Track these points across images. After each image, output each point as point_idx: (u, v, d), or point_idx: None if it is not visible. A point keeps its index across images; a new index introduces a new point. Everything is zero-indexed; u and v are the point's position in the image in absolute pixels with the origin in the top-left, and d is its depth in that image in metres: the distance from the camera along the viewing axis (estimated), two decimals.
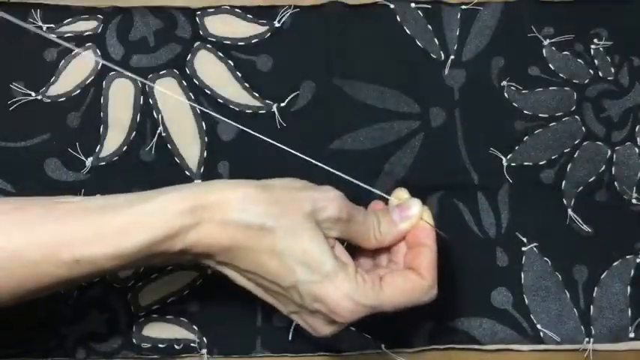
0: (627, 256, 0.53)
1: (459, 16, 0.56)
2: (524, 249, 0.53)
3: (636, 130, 0.55)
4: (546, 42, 0.56)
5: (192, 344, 0.51)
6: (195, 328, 0.51)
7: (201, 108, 0.53)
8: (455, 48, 0.56)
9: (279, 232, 0.40)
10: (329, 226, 0.42)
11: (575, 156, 0.54)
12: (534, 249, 0.53)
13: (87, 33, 0.55)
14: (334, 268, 0.41)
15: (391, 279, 0.43)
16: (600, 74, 0.56)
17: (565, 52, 0.56)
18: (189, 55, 0.55)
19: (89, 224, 0.40)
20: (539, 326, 0.52)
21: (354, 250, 0.45)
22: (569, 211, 0.54)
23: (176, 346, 0.51)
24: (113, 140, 0.53)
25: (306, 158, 0.47)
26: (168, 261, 0.43)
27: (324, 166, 0.47)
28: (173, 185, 0.42)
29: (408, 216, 0.45)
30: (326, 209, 0.41)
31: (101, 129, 0.54)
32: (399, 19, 0.55)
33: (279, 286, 0.42)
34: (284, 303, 0.43)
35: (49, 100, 0.54)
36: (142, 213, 0.40)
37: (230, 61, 0.55)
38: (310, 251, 0.40)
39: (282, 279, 0.41)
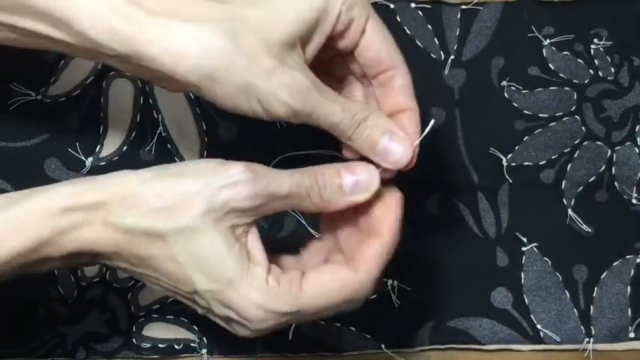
0: (627, 256, 0.53)
1: (459, 16, 0.56)
2: (524, 249, 0.53)
3: (636, 130, 0.55)
4: (546, 42, 0.56)
5: (192, 344, 0.51)
6: (195, 328, 0.51)
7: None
8: (455, 48, 0.56)
9: (170, 237, 0.36)
10: (236, 215, 0.36)
11: (575, 156, 0.54)
12: (534, 249, 0.53)
13: None
14: (237, 274, 0.36)
15: (315, 277, 0.38)
16: (600, 74, 0.56)
17: (565, 52, 0.56)
18: None
19: None
20: (539, 326, 0.52)
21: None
22: (569, 211, 0.54)
23: (176, 346, 0.51)
24: (113, 140, 0.53)
25: (310, 152, 0.47)
26: (65, 265, 0.39)
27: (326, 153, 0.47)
28: (75, 179, 0.39)
29: (360, 185, 0.39)
30: (227, 203, 0.36)
31: (101, 129, 0.54)
32: (399, 19, 0.55)
33: (182, 292, 0.38)
34: (194, 307, 0.40)
35: (49, 100, 0.54)
36: (10, 219, 0.36)
37: None
38: (207, 258, 0.36)
39: (182, 285, 0.37)
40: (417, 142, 0.41)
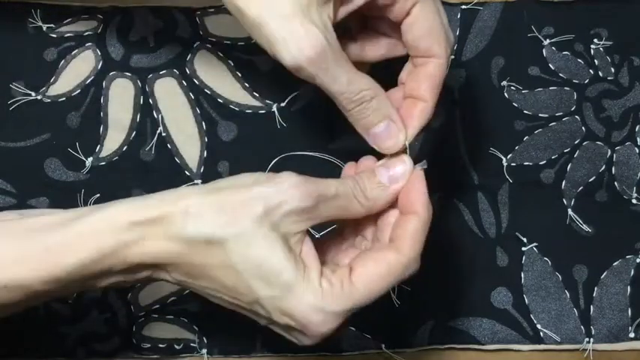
0: (627, 256, 0.53)
1: (459, 16, 0.56)
2: (524, 249, 0.53)
3: (636, 130, 0.55)
4: (546, 42, 0.56)
5: (192, 344, 0.51)
6: (195, 328, 0.51)
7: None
8: (455, 48, 0.56)
9: (230, 243, 0.36)
10: (293, 220, 0.37)
11: (575, 156, 0.54)
12: (534, 249, 0.53)
13: (87, 33, 0.55)
14: (294, 279, 0.37)
15: (362, 268, 0.38)
16: (600, 74, 0.56)
17: (565, 52, 0.56)
18: (189, 55, 0.55)
19: (18, 246, 0.37)
20: (539, 326, 0.52)
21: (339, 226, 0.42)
22: (569, 211, 0.54)
23: (176, 346, 0.51)
24: (113, 140, 0.53)
25: (308, 153, 0.47)
26: (124, 281, 0.39)
27: (326, 157, 0.47)
28: (131, 198, 0.39)
29: (396, 176, 0.41)
30: (282, 205, 0.37)
31: (101, 129, 0.54)
32: None
33: (243, 302, 0.38)
34: (255, 318, 0.40)
35: (49, 100, 0.54)
36: (74, 234, 0.37)
37: (230, 61, 0.55)
38: (265, 262, 0.36)
39: (242, 296, 0.38)
40: (408, 140, 0.42)
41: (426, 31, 0.41)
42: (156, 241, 0.37)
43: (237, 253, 0.36)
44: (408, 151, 0.42)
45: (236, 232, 0.36)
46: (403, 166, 0.41)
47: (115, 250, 0.37)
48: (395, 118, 0.41)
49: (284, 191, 0.37)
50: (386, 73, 0.44)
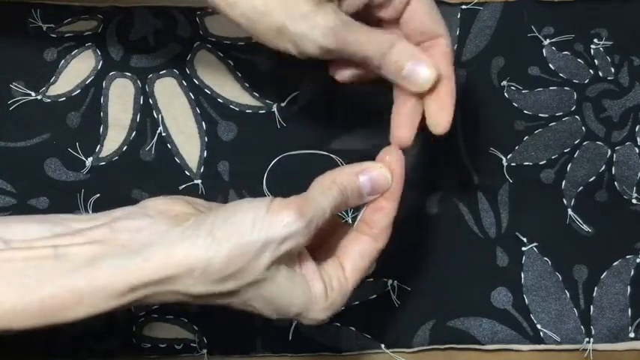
0: (627, 256, 0.53)
1: (459, 16, 0.56)
2: (524, 249, 0.53)
3: (636, 130, 0.55)
4: (546, 42, 0.56)
5: (192, 344, 0.51)
6: (196, 328, 0.51)
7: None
8: (455, 48, 0.56)
9: (242, 290, 0.38)
10: (294, 249, 0.38)
11: (575, 156, 0.54)
12: (534, 249, 0.53)
13: (87, 33, 0.55)
14: (304, 306, 0.39)
15: (352, 264, 0.41)
16: (600, 74, 0.56)
17: (565, 52, 0.56)
18: (189, 55, 0.55)
19: (15, 293, 0.35)
20: (539, 326, 0.52)
21: None
22: (569, 211, 0.54)
23: (176, 346, 0.51)
24: (113, 140, 0.53)
25: (309, 152, 0.47)
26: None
27: (325, 154, 0.47)
28: (126, 252, 0.37)
29: (376, 191, 0.42)
30: (286, 242, 0.38)
31: (101, 129, 0.54)
32: None
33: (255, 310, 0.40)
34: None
35: (49, 100, 0.54)
36: (71, 291, 0.36)
37: (230, 61, 0.55)
38: (277, 299, 0.39)
39: (257, 312, 0.40)
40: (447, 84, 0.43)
41: (428, 14, 0.42)
42: (162, 295, 0.38)
43: (249, 294, 0.38)
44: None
45: (247, 282, 0.38)
46: (380, 172, 0.42)
47: (115, 308, 0.37)
48: (419, 53, 0.42)
49: (291, 239, 0.38)
50: None
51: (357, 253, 0.41)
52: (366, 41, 0.41)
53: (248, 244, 0.37)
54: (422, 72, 0.42)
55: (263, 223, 0.37)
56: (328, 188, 0.40)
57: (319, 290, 0.40)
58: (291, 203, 0.38)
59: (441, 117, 0.43)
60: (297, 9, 0.40)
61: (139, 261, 0.37)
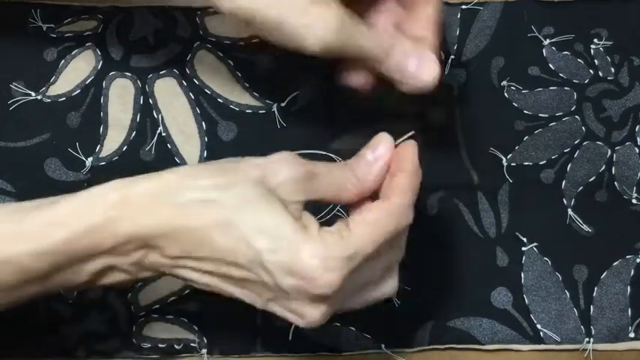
0: (627, 256, 0.53)
1: (458, 16, 0.56)
2: (524, 249, 0.53)
3: (636, 130, 0.55)
4: (546, 42, 0.56)
5: (192, 344, 0.51)
6: (196, 328, 0.51)
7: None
8: (455, 48, 0.56)
9: (227, 202, 0.37)
10: (289, 189, 0.38)
11: (575, 156, 0.54)
12: (534, 249, 0.53)
13: (87, 33, 0.55)
14: (293, 230, 0.37)
15: (359, 217, 0.39)
16: (600, 74, 0.56)
17: (565, 52, 0.56)
18: (189, 55, 0.55)
19: (6, 224, 0.38)
20: (539, 326, 0.52)
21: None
22: (569, 211, 0.54)
23: (176, 346, 0.51)
24: (113, 140, 0.53)
25: (309, 151, 0.47)
26: (114, 265, 0.39)
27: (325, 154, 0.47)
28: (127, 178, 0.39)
29: (380, 154, 0.41)
30: (277, 173, 0.38)
31: (101, 129, 0.54)
32: None
33: (242, 267, 0.37)
34: (257, 291, 0.39)
35: (49, 100, 0.54)
36: (62, 209, 0.38)
37: (230, 61, 0.55)
38: (264, 217, 0.37)
39: (241, 255, 0.37)
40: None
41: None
42: (148, 212, 0.37)
43: (234, 209, 0.37)
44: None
45: (235, 193, 0.37)
46: (384, 143, 0.42)
47: (104, 223, 0.37)
48: (421, 50, 0.43)
49: (276, 162, 0.38)
50: None
51: (365, 209, 0.40)
52: (368, 40, 0.41)
53: (237, 163, 0.38)
54: (425, 72, 0.42)
55: (254, 158, 0.39)
56: (337, 166, 0.41)
57: (312, 228, 0.38)
58: (289, 152, 0.39)
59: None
60: (299, 2, 0.39)
61: (130, 179, 0.39)
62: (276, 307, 0.39)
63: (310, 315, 0.38)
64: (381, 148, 0.42)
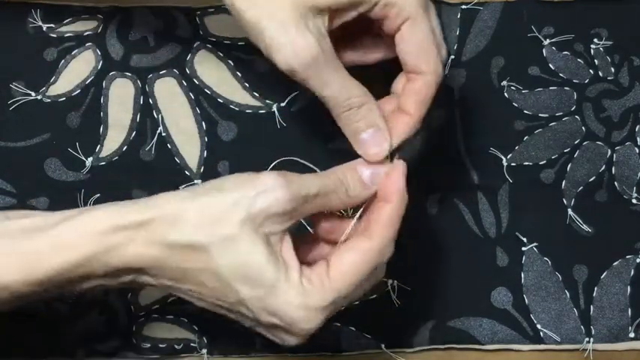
0: (627, 256, 0.53)
1: (458, 16, 0.56)
2: (524, 249, 0.53)
3: (636, 130, 0.55)
4: (546, 42, 0.56)
5: (192, 344, 0.51)
6: (196, 328, 0.51)
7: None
8: (455, 48, 0.56)
9: (212, 248, 0.37)
10: (274, 221, 0.38)
11: (575, 156, 0.54)
12: (534, 249, 0.53)
13: (87, 33, 0.55)
14: (276, 278, 0.38)
15: (338, 261, 0.39)
16: (600, 74, 0.56)
17: (565, 52, 0.56)
18: (189, 55, 0.55)
19: (1, 249, 0.37)
20: (539, 326, 0.52)
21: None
22: (569, 211, 0.54)
23: (176, 346, 0.51)
24: (113, 140, 0.53)
25: (306, 163, 0.47)
26: (107, 285, 0.40)
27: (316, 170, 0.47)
28: (116, 202, 0.39)
29: (378, 177, 0.41)
30: (265, 209, 0.37)
31: (101, 129, 0.54)
32: None
33: (227, 304, 0.39)
34: (240, 319, 0.41)
35: (49, 100, 0.54)
36: (55, 238, 0.37)
37: (230, 61, 0.55)
38: (248, 264, 0.37)
39: (227, 297, 0.39)
40: (391, 148, 0.43)
41: (414, 49, 0.41)
42: (138, 246, 0.37)
43: (220, 257, 0.37)
44: (390, 159, 0.43)
45: (219, 237, 0.37)
46: (384, 166, 0.42)
47: (95, 254, 0.37)
48: (382, 126, 0.42)
49: (266, 195, 0.38)
50: (381, 78, 0.45)
51: (346, 249, 0.40)
52: (336, 85, 0.41)
53: (223, 198, 0.37)
54: (373, 149, 0.42)
55: (244, 182, 0.38)
56: (325, 174, 0.41)
57: (294, 272, 0.38)
58: (280, 176, 0.38)
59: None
60: (280, 17, 0.39)
61: (119, 207, 0.38)
62: (261, 330, 0.41)
63: (290, 341, 0.40)
64: (380, 169, 0.42)
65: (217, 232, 0.37)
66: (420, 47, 0.41)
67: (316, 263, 0.40)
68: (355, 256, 0.39)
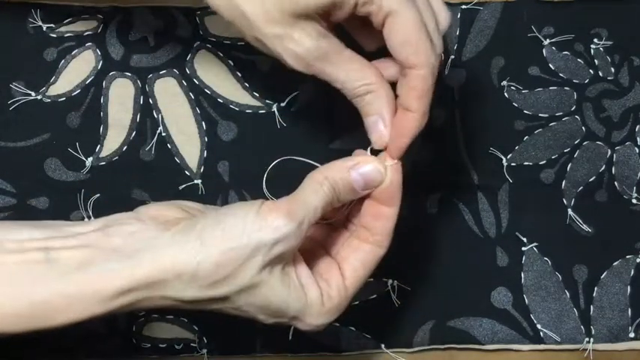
0: (627, 256, 0.53)
1: (458, 16, 0.56)
2: (524, 249, 0.53)
3: (636, 130, 0.55)
4: (546, 42, 0.56)
5: (192, 344, 0.51)
6: (196, 328, 0.51)
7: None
8: (455, 48, 0.56)
9: (233, 296, 0.38)
10: (286, 251, 0.38)
11: (575, 156, 0.54)
12: (534, 249, 0.53)
13: (87, 33, 0.55)
14: (299, 310, 0.39)
15: (353, 272, 0.41)
16: (600, 74, 0.56)
17: (565, 52, 0.56)
18: (189, 55, 0.55)
19: (2, 294, 0.36)
20: (539, 326, 0.52)
21: None
22: (569, 211, 0.54)
23: (176, 346, 0.51)
24: (113, 140, 0.53)
25: (306, 160, 0.47)
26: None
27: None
28: (117, 256, 0.37)
29: (369, 185, 0.41)
30: (277, 245, 0.37)
31: (101, 129, 0.54)
32: None
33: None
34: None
35: (49, 100, 0.54)
36: (60, 295, 0.36)
37: (230, 61, 0.55)
38: (270, 304, 0.38)
39: (251, 317, 0.40)
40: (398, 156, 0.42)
41: (399, 42, 0.40)
42: (150, 300, 0.37)
43: (241, 300, 0.38)
44: (386, 171, 0.42)
45: (238, 288, 0.37)
46: (373, 167, 0.42)
47: (106, 313, 0.37)
48: (385, 116, 0.42)
49: (282, 242, 0.38)
50: None
51: (359, 261, 0.41)
52: (342, 74, 0.41)
53: (238, 249, 0.37)
54: (374, 134, 0.42)
55: (253, 227, 0.37)
56: (320, 185, 0.40)
57: (315, 296, 0.39)
58: (281, 206, 0.38)
59: (394, 142, 0.42)
60: (271, 30, 0.39)
61: (129, 265, 0.37)
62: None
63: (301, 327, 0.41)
64: (368, 171, 0.41)
65: (236, 284, 0.37)
66: (405, 40, 0.40)
67: (330, 270, 0.41)
68: (367, 268, 0.41)
